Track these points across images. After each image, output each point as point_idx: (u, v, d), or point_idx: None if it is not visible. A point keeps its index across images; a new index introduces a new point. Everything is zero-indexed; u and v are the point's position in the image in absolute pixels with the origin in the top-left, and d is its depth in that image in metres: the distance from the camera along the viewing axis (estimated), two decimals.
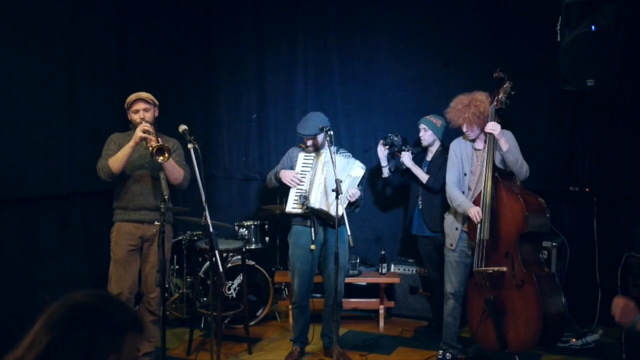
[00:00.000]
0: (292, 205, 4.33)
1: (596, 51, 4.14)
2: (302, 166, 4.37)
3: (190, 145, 3.64)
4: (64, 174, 4.61)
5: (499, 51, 5.22)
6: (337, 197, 3.88)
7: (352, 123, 5.87)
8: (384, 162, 5.10)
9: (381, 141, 5.07)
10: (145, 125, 3.83)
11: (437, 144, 4.98)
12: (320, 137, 4.31)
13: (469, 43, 5.41)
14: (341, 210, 3.94)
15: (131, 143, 3.83)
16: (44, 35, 4.40)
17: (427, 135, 4.95)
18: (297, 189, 4.32)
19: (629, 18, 4.21)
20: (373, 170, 5.46)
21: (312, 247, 4.26)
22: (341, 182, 3.96)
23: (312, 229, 4.28)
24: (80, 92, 4.70)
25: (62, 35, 4.56)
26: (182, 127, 3.77)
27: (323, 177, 4.27)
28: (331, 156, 4.03)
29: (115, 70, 5.11)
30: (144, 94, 4.00)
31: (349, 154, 4.47)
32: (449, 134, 4.78)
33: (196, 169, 3.58)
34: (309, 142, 4.34)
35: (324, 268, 4.39)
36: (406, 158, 4.97)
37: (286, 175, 4.35)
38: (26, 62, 4.27)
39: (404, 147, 5.02)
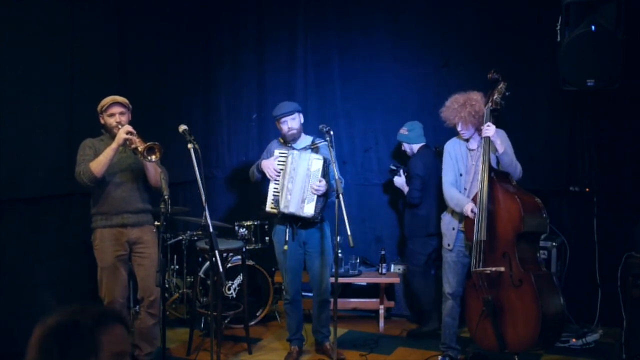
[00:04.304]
0: (270, 205, 4.32)
1: (596, 51, 4.14)
2: (277, 164, 4.31)
3: (190, 145, 3.61)
4: (64, 174, 4.60)
5: (499, 51, 5.22)
6: (337, 197, 3.87)
7: (352, 123, 5.86)
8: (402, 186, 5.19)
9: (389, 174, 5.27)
10: (129, 127, 3.77)
11: (417, 147, 5.08)
12: (292, 120, 4.29)
13: (469, 43, 5.40)
14: (312, 210, 3.93)
15: (114, 145, 3.75)
16: (44, 35, 4.40)
17: (408, 148, 5.12)
18: (274, 189, 4.30)
19: (629, 18, 4.21)
20: (373, 171, 5.45)
21: (285, 247, 4.28)
22: (341, 182, 3.94)
23: (287, 229, 4.29)
24: (80, 92, 4.70)
25: (62, 36, 4.56)
26: (182, 127, 3.74)
27: (291, 179, 4.21)
28: (321, 151, 4.05)
29: (115, 71, 5.10)
30: (119, 98, 3.92)
31: (324, 142, 4.26)
32: (429, 133, 5.00)
33: (196, 169, 3.55)
34: (284, 128, 4.30)
35: (309, 266, 4.41)
36: (396, 180, 5.14)
37: (266, 166, 4.30)
38: (26, 62, 4.27)
39: (397, 173, 5.16)
